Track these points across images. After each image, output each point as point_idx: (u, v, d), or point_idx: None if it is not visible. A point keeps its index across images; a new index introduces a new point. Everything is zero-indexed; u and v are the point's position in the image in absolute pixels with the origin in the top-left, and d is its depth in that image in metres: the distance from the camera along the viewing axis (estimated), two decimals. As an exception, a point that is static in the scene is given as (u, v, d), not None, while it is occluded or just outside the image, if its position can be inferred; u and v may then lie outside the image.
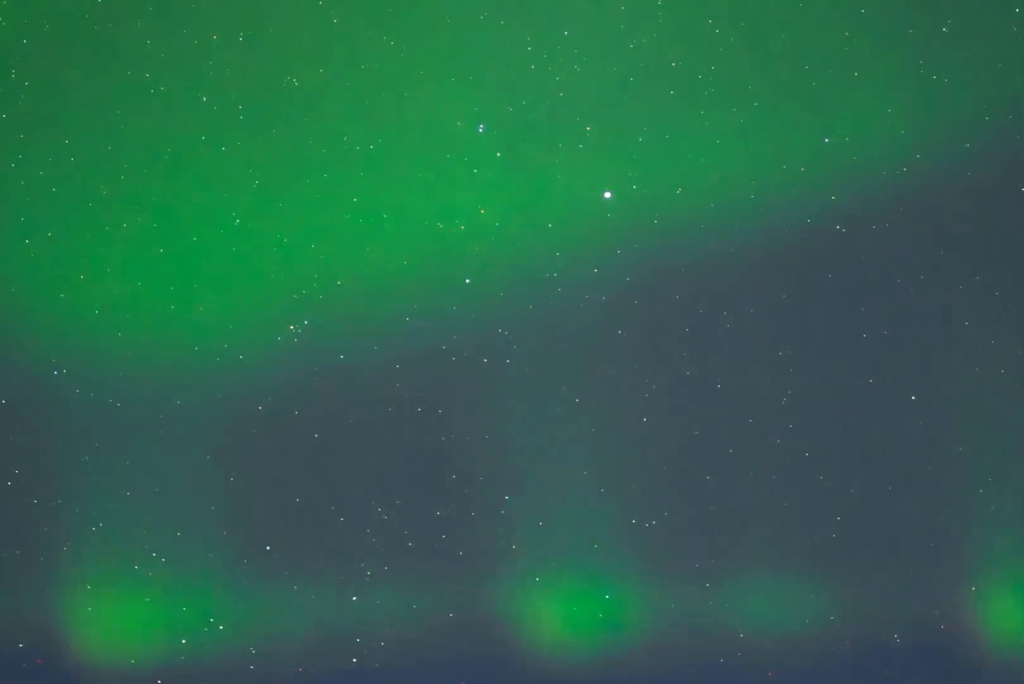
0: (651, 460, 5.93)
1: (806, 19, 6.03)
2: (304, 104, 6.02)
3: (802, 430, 5.95)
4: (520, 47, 6.02)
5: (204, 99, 6.00)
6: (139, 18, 6.00)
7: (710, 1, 6.04)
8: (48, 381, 5.90)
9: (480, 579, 5.90)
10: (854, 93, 6.01)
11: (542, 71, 6.02)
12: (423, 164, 6.01)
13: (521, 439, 5.96)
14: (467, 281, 6.00)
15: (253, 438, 5.93)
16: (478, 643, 5.88)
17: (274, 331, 5.96)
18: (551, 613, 5.91)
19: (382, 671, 5.85)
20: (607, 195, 6.01)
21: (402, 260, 5.99)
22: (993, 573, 5.92)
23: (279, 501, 5.91)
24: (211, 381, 5.93)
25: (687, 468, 5.94)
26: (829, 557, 5.92)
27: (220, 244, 5.98)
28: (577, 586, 5.92)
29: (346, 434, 5.94)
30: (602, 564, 5.91)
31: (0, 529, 5.84)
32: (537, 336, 5.99)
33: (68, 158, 5.97)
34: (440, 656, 5.87)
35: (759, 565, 5.91)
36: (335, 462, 5.93)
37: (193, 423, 5.93)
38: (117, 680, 5.82)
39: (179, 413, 5.92)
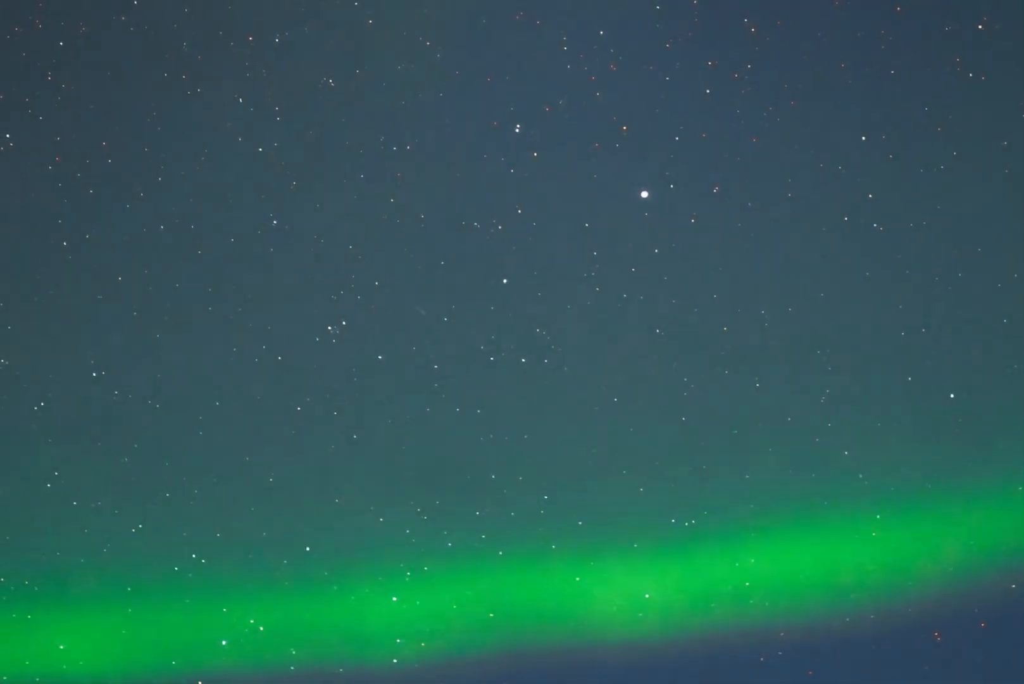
0: (690, 459, 5.93)
1: (841, 17, 6.02)
2: (340, 105, 6.03)
3: (841, 428, 5.94)
4: (556, 47, 6.02)
5: (240, 100, 6.01)
6: (175, 20, 6.01)
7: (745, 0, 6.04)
8: (86, 383, 5.92)
9: (519, 579, 5.90)
10: (890, 91, 6.00)
11: (578, 71, 6.02)
12: (460, 164, 6.02)
13: (560, 439, 5.96)
14: (504, 281, 6.00)
15: (292, 439, 5.94)
16: (518, 643, 5.88)
17: (312, 332, 5.97)
18: (591, 612, 5.90)
19: (422, 671, 5.85)
20: (644, 194, 6.01)
21: (439, 260, 6.00)
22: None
23: (318, 502, 5.91)
24: (250, 382, 5.95)
25: (726, 467, 5.93)
26: (869, 556, 5.91)
27: (258, 245, 5.99)
28: (617, 585, 5.91)
29: (384, 435, 5.95)
30: (641, 563, 5.91)
31: (40, 531, 5.86)
32: (575, 336, 5.99)
33: (105, 160, 5.99)
34: (480, 656, 5.87)
35: (799, 564, 5.91)
36: (374, 462, 5.94)
37: (232, 424, 5.94)
38: (158, 681, 5.83)
39: (218, 414, 5.93)
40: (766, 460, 5.94)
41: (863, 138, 5.99)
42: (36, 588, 5.84)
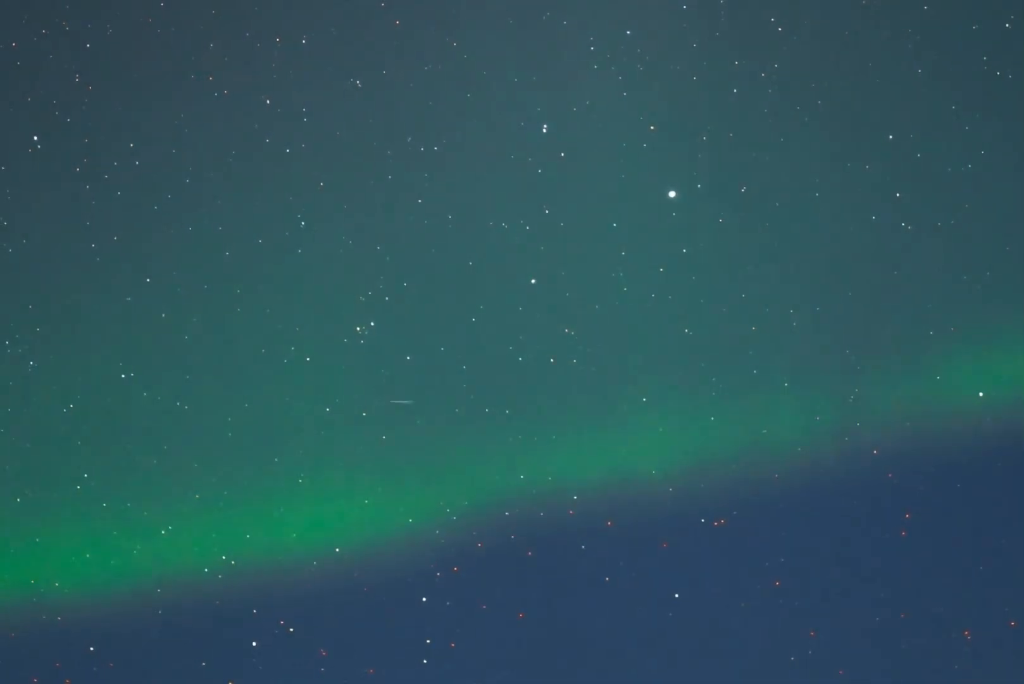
0: (719, 459, 5.93)
1: (869, 16, 6.01)
2: (367, 106, 6.02)
3: (870, 428, 5.93)
4: (583, 47, 6.01)
5: (268, 102, 6.01)
6: (202, 21, 6.01)
7: (772, -1, 6.04)
8: (116, 384, 5.93)
9: (549, 580, 5.90)
10: (918, 90, 5.99)
11: (605, 71, 6.01)
12: (487, 165, 6.01)
13: (588, 439, 5.96)
14: (532, 281, 6.00)
15: (320, 440, 5.94)
16: (548, 645, 5.88)
17: (340, 333, 5.97)
18: (620, 614, 5.90)
19: (452, 672, 5.85)
20: (672, 194, 6.01)
21: (467, 261, 6.00)
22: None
23: (347, 502, 5.92)
24: (278, 383, 5.95)
25: (755, 467, 5.93)
26: (899, 557, 5.90)
27: (285, 246, 5.99)
28: (646, 586, 5.91)
29: (413, 435, 5.95)
30: (671, 564, 5.91)
31: (70, 532, 5.87)
32: (603, 336, 5.98)
33: (133, 162, 5.99)
34: (510, 657, 5.87)
35: (829, 563, 5.90)
36: (403, 463, 5.94)
37: (260, 425, 5.94)
38: (187, 682, 5.83)
39: (247, 415, 5.93)
40: (795, 460, 5.93)
41: (890, 137, 5.99)
42: (66, 590, 5.85)
